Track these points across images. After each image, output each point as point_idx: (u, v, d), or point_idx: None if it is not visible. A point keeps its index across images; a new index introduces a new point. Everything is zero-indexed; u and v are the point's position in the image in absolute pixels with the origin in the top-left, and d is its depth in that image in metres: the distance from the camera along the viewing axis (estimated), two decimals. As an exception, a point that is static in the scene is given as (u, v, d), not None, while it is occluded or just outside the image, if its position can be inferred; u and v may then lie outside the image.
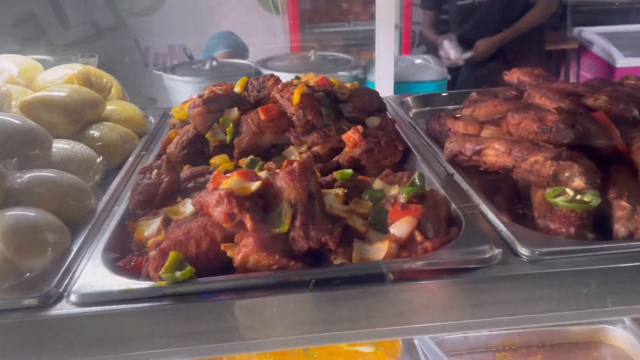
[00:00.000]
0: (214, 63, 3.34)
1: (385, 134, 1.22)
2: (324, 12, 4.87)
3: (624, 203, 0.86)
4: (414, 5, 5.23)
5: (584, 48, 5.01)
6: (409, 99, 1.62)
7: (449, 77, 3.27)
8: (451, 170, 1.11)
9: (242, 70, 3.32)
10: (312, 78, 1.39)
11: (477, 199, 0.98)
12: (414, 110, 1.61)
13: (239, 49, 3.95)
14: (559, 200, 0.90)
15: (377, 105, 1.37)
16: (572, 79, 5.27)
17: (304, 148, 1.23)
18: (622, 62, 4.49)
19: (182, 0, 5.20)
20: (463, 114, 1.35)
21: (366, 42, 4.73)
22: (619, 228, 0.86)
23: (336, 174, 0.97)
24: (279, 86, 1.29)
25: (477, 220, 0.91)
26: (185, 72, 3.23)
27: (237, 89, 1.37)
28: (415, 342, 1.53)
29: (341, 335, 0.77)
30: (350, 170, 0.99)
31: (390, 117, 1.39)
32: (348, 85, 1.38)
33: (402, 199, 0.87)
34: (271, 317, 0.76)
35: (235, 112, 1.27)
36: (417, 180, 0.92)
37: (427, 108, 1.61)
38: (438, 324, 0.77)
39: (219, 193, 0.79)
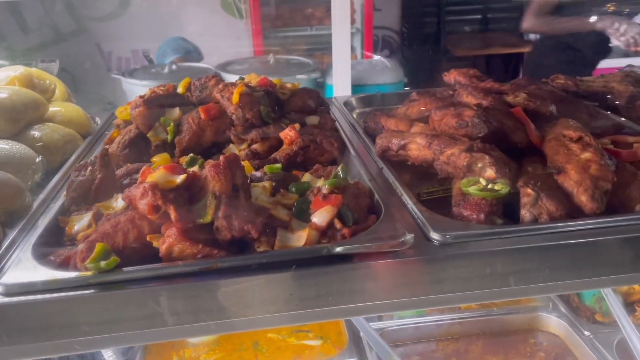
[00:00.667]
0: (173, 67, 3.35)
1: (321, 131, 1.27)
2: (287, 17, 4.92)
3: (529, 190, 0.93)
4: (375, 10, 5.35)
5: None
6: (352, 100, 1.68)
7: (405, 79, 3.36)
8: (381, 165, 1.17)
9: (201, 74, 3.33)
10: (254, 79, 1.43)
11: (400, 190, 1.04)
12: (357, 110, 1.67)
13: (191, 54, 3.97)
14: (472, 189, 0.96)
15: (318, 105, 1.42)
16: (530, 82, 5.47)
17: (244, 146, 1.27)
18: (575, 64, 4.66)
19: (146, 5, 5.19)
20: (398, 112, 1.41)
21: (328, 46, 4.80)
22: (525, 213, 0.93)
23: (266, 168, 1.02)
24: (220, 86, 1.33)
25: (397, 209, 0.97)
26: (144, 76, 3.23)
27: (180, 89, 1.41)
28: (361, 334, 1.58)
29: (259, 319, 0.81)
30: (279, 165, 1.03)
31: (331, 116, 1.45)
32: (289, 85, 1.43)
33: (325, 190, 0.92)
34: (195, 304, 0.80)
35: (176, 111, 1.31)
36: (340, 173, 0.98)
37: (369, 108, 1.67)
38: (349, 307, 0.82)
39: (144, 186, 0.83)
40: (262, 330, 1.61)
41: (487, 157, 0.97)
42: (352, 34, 4.97)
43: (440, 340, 1.65)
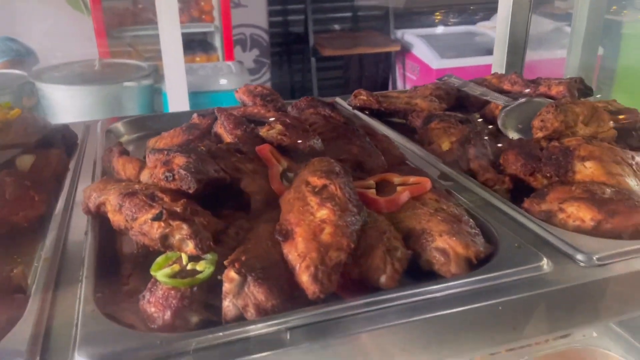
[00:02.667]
0: (-27, 76, 2.81)
1: (22, 180, 0.95)
2: (136, 12, 4.45)
3: (232, 273, 0.68)
4: (241, 6, 5.05)
5: (407, 50, 5.20)
6: (118, 125, 1.36)
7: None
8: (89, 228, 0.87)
9: (12, 83, 2.83)
10: (-54, 108, 1.07)
11: (83, 275, 0.75)
12: (125, 138, 1.35)
13: (22, 57, 3.42)
14: (159, 274, 0.69)
15: (40, 139, 1.10)
16: (399, 81, 5.47)
17: None
18: (438, 63, 4.72)
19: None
20: (147, 146, 1.13)
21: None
22: (227, 305, 0.68)
23: None
24: None
25: (63, 313, 0.68)
26: None
27: None
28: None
29: None
30: None
31: (63, 152, 1.12)
32: (-4, 115, 1.08)
33: None
34: None
35: None
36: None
37: (143, 133, 1.36)
38: None
39: None
40: None
41: (185, 226, 0.71)
42: (212, 33, 4.64)
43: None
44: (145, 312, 0.68)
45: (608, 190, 0.87)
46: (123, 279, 0.79)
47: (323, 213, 0.76)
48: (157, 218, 0.71)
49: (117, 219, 0.77)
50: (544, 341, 1.51)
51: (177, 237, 0.72)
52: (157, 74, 3.09)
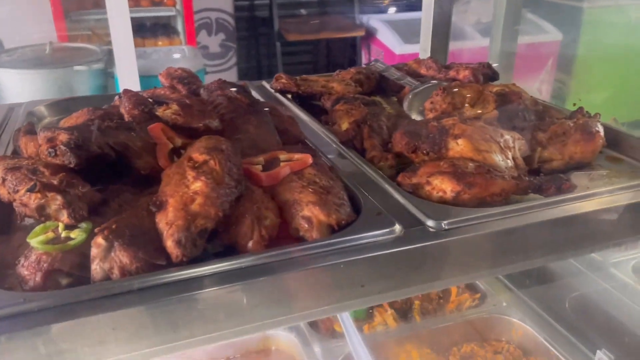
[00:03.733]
0: None
1: None
2: (97, -4, 4.42)
3: (99, 240, 0.74)
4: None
5: (372, 35, 5.24)
6: (41, 108, 1.40)
7: (205, 69, 3.13)
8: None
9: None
10: None
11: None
12: (48, 120, 1.39)
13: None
14: (33, 241, 0.76)
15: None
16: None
17: None
18: (401, 49, 4.77)
19: None
20: (62, 125, 1.17)
21: (141, 31, 4.42)
22: (94, 268, 0.74)
23: None
24: None
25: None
26: None
27: None
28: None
29: None
30: None
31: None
32: None
33: None
34: None
35: None
36: None
37: (65, 115, 1.39)
38: None
39: None
40: None
41: (59, 197, 0.77)
42: (174, 17, 4.64)
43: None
44: (20, 275, 0.74)
45: (471, 165, 0.95)
46: (12, 249, 0.84)
47: (197, 185, 0.82)
48: (31, 189, 0.76)
49: (1, 192, 0.83)
50: (456, 310, 1.61)
51: (53, 207, 0.78)
52: (111, 57, 3.10)
